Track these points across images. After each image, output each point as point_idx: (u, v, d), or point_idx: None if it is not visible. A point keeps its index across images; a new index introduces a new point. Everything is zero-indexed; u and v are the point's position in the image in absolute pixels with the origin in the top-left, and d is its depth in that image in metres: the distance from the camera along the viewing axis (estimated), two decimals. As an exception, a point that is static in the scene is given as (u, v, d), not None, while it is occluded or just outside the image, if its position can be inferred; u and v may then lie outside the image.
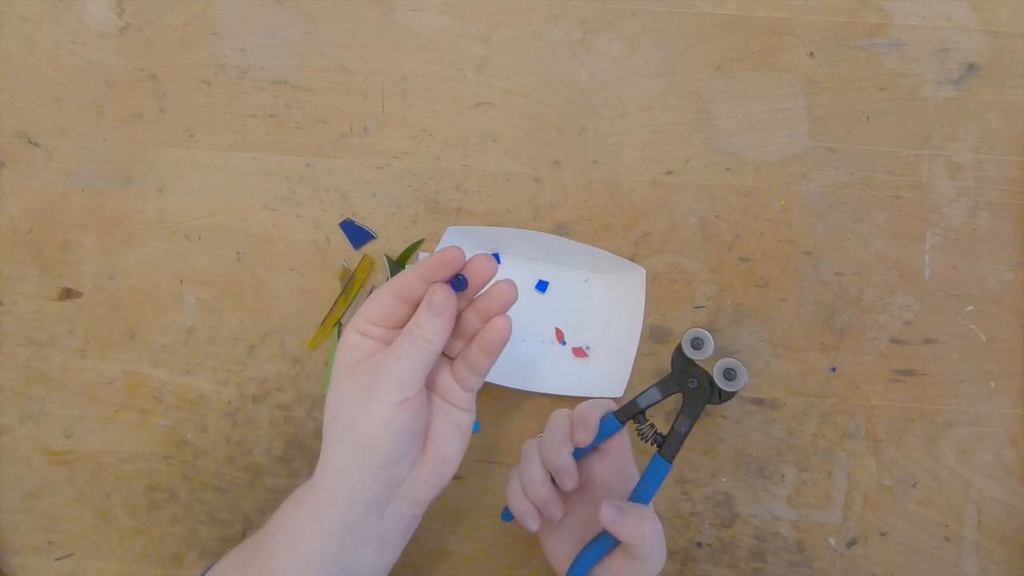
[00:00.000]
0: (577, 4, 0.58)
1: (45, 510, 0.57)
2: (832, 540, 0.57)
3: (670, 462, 0.48)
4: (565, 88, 0.58)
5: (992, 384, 0.57)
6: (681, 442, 0.49)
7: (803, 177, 0.58)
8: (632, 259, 0.57)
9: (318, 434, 0.57)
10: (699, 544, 0.57)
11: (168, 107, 0.58)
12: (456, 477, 0.57)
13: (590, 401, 0.49)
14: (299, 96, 0.58)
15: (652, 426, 0.50)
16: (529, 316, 0.58)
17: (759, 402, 0.57)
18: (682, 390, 0.50)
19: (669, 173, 0.58)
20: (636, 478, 0.49)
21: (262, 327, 0.58)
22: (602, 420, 0.48)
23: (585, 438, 0.48)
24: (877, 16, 0.58)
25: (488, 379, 0.56)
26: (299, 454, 0.57)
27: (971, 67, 0.58)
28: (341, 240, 0.58)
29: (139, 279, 0.58)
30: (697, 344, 0.50)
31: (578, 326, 0.58)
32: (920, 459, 0.57)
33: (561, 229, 0.58)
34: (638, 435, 0.50)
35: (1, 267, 0.58)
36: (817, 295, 0.58)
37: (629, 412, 0.49)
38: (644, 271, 0.56)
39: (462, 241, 0.56)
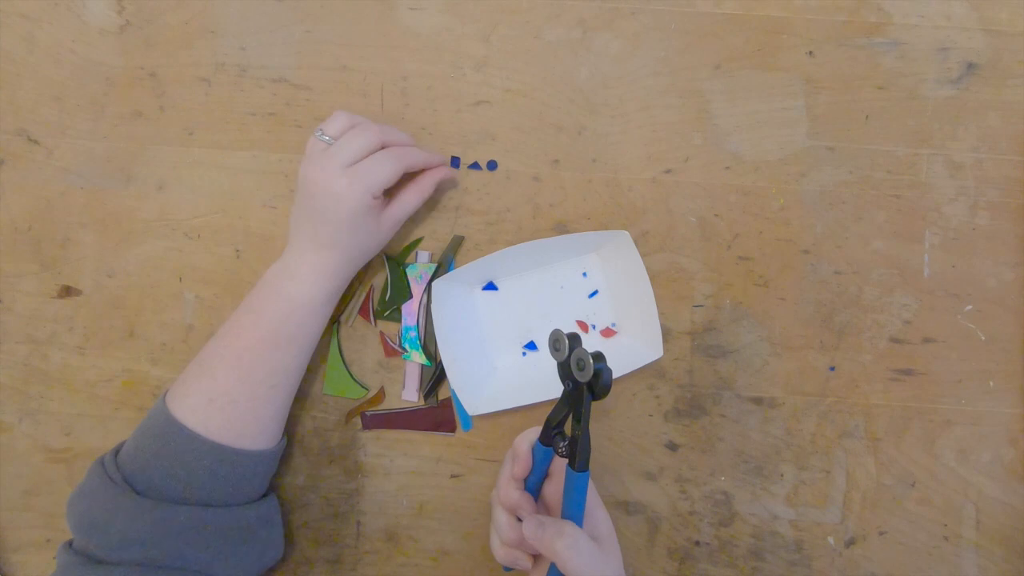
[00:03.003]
0: (576, 3, 0.58)
1: (44, 507, 0.58)
2: (831, 539, 0.57)
3: (579, 471, 0.45)
4: (565, 87, 0.58)
5: (991, 384, 0.57)
6: (582, 447, 0.45)
7: (802, 176, 0.58)
8: (631, 258, 0.57)
9: (316, 431, 0.57)
10: (698, 543, 0.57)
11: (168, 105, 0.58)
12: (455, 476, 0.57)
13: (523, 432, 0.49)
14: (299, 94, 0.58)
15: (564, 439, 0.47)
16: (552, 323, 0.58)
17: (758, 401, 0.57)
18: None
19: (668, 172, 0.58)
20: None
21: (261, 325, 0.58)
22: (535, 447, 0.48)
23: (520, 470, 0.48)
24: (876, 15, 0.58)
25: (541, 397, 0.56)
26: (298, 452, 0.57)
27: (971, 66, 0.58)
28: (340, 238, 0.58)
29: (138, 277, 0.58)
30: (557, 345, 0.46)
31: (596, 310, 0.58)
32: (919, 458, 0.57)
33: (560, 228, 0.58)
34: (556, 453, 0.47)
35: (1, 265, 0.58)
36: (816, 294, 0.58)
37: (547, 432, 0.47)
38: (627, 232, 0.55)
39: (449, 289, 0.55)
